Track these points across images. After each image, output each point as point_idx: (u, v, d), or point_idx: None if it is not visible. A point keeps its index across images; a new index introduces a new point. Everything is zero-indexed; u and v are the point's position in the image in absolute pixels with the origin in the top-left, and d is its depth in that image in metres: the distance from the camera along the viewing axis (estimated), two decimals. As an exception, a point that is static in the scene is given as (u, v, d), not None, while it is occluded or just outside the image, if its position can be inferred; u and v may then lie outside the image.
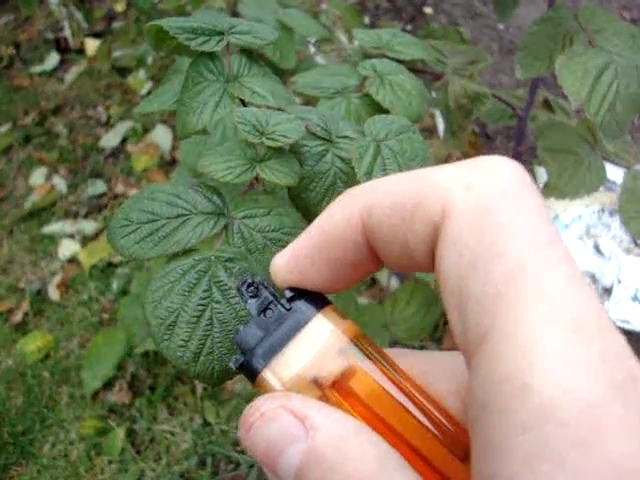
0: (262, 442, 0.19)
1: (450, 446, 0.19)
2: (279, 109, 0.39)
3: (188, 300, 0.31)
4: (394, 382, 0.20)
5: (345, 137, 0.38)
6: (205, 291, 0.32)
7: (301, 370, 0.20)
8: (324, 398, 0.20)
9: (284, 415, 0.19)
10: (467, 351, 0.16)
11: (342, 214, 0.21)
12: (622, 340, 0.15)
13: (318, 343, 0.20)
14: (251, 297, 0.22)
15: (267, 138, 0.35)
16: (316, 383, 0.20)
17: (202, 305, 0.31)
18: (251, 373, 0.21)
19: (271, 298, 0.22)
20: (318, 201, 0.36)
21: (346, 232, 0.20)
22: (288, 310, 0.21)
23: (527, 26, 0.69)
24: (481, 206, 0.17)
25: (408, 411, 0.19)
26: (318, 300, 0.22)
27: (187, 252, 0.33)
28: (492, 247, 0.16)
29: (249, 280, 0.23)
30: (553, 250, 0.16)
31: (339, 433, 0.18)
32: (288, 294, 0.22)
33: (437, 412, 0.20)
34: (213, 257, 0.32)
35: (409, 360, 0.21)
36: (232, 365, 0.21)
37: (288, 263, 0.22)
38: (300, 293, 0.22)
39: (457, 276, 0.17)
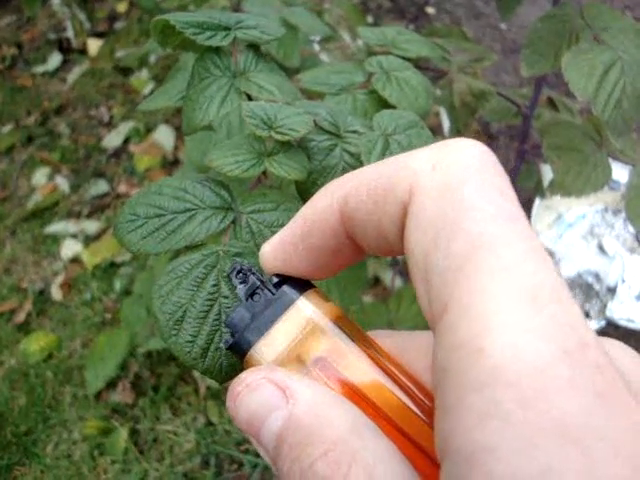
0: (246, 411, 0.20)
1: (427, 420, 0.20)
2: (286, 104, 0.38)
3: (196, 295, 0.31)
4: (374, 360, 0.21)
5: (353, 132, 0.37)
6: (213, 286, 0.31)
7: (285, 349, 0.21)
8: (307, 375, 0.21)
9: (267, 385, 0.20)
10: (432, 322, 0.17)
11: (323, 203, 0.22)
12: (577, 309, 0.16)
13: (301, 324, 0.22)
14: (240, 283, 0.24)
15: (276, 132, 0.34)
16: (300, 361, 0.21)
17: (210, 300, 0.31)
18: (240, 352, 0.22)
19: (258, 283, 0.23)
20: (326, 196, 0.36)
21: (326, 221, 0.21)
22: (274, 294, 0.23)
23: (530, 25, 0.69)
24: (445, 184, 0.18)
25: (387, 387, 0.21)
26: (302, 285, 0.23)
27: (195, 247, 0.33)
28: (454, 223, 0.17)
29: (238, 267, 0.25)
30: (513, 226, 0.17)
31: (317, 402, 0.19)
32: (274, 280, 0.23)
33: (415, 388, 0.21)
34: (221, 252, 0.32)
35: (389, 340, 0.23)
36: (222, 345, 0.23)
37: (275, 250, 0.23)
38: (286, 279, 0.23)
39: (422, 251, 0.18)
